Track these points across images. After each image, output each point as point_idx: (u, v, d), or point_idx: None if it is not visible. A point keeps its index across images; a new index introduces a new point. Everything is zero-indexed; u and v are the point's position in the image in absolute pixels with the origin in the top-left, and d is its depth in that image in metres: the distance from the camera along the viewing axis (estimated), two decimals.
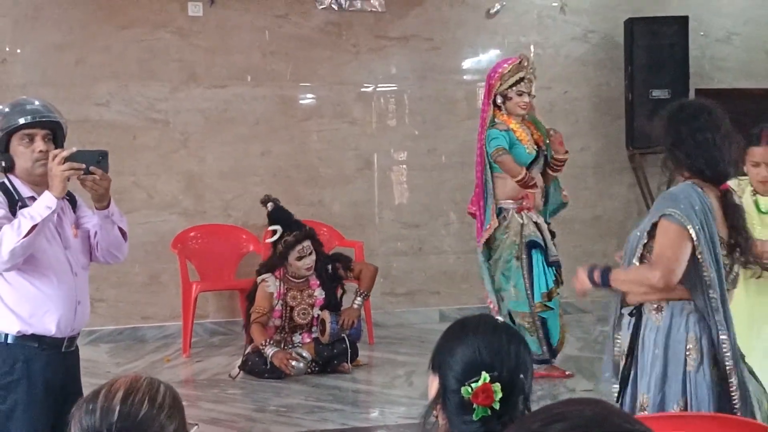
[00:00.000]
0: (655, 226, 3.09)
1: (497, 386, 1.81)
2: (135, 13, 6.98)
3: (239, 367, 5.90)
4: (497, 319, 2.01)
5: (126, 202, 6.32)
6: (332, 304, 6.07)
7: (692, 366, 3.07)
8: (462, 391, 1.83)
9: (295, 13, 7.28)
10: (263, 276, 6.02)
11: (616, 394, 3.25)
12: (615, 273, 3.17)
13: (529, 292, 5.49)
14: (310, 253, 5.98)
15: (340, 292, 6.18)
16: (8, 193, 3.20)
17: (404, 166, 7.57)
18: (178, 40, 7.08)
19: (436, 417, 1.90)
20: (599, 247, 7.56)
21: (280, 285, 5.98)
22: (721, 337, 3.05)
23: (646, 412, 3.08)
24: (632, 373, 3.20)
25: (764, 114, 7.96)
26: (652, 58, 7.40)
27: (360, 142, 7.43)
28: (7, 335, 3.15)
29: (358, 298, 6.11)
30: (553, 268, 5.52)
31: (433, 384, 1.92)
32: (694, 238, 3.00)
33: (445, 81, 7.53)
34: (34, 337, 3.17)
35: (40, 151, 3.19)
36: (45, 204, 3.09)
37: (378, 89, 7.48)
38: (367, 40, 7.42)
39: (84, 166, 3.12)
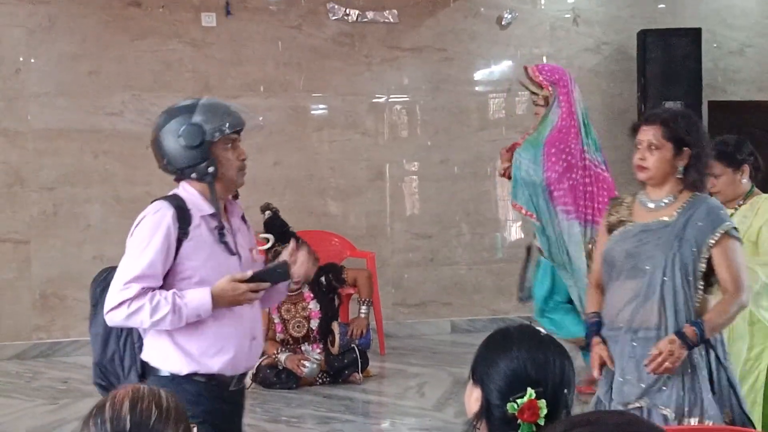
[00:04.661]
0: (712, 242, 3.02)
1: (542, 402, 1.77)
2: (149, 24, 7.01)
3: (251, 377, 5.91)
4: (540, 331, 1.93)
5: (140, 212, 6.30)
6: (330, 315, 6.04)
7: None
8: (507, 407, 1.79)
9: (308, 24, 7.30)
10: None
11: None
12: (708, 323, 2.99)
13: None
14: None
15: (336, 302, 6.16)
16: (183, 214, 2.82)
17: (416, 176, 7.57)
18: (192, 50, 7.10)
19: (478, 428, 1.85)
20: None
21: None
22: None
23: None
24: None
25: None
26: (665, 69, 7.38)
27: (372, 152, 7.44)
28: (174, 376, 2.76)
29: (363, 307, 6.12)
30: None
31: (473, 394, 1.86)
32: None
33: (458, 92, 7.53)
34: (202, 376, 2.79)
35: (245, 159, 2.88)
36: (199, 311, 2.73)
37: (390, 100, 7.49)
38: (379, 50, 7.43)
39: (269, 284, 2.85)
